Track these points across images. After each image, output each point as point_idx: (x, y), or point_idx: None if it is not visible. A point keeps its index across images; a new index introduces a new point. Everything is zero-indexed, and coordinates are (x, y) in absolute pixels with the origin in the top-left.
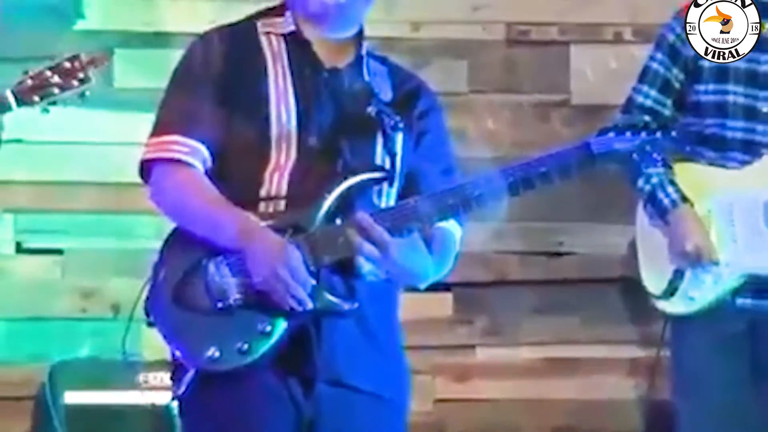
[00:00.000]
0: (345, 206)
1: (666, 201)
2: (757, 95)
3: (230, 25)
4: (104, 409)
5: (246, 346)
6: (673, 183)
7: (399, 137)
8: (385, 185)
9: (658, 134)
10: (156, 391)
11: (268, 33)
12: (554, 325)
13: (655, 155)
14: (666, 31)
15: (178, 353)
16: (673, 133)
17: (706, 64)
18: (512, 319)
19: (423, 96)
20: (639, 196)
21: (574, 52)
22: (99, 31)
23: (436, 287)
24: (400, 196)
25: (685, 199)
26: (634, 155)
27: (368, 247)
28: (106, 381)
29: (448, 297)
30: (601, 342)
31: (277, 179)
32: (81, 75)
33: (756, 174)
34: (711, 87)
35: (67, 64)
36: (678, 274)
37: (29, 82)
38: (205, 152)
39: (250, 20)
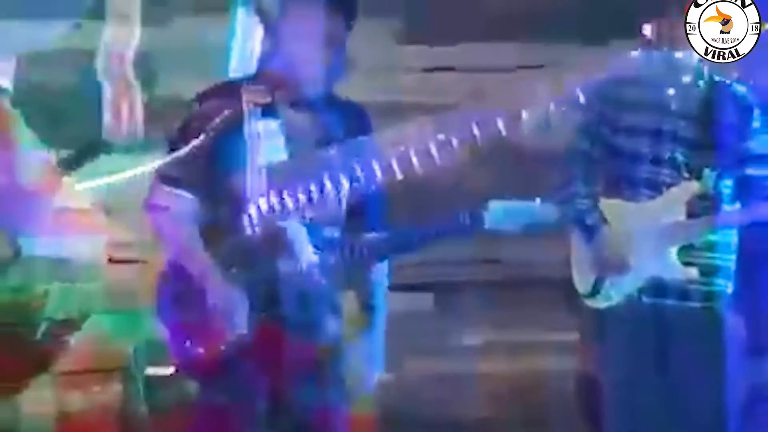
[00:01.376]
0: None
1: (591, 224)
2: (661, 147)
3: (221, 91)
4: (174, 378)
5: (223, 347)
6: (597, 210)
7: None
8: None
9: None
10: None
11: (248, 102)
12: (510, 315)
13: None
14: (596, 97)
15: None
16: None
17: (622, 123)
18: (479, 311)
19: (358, 124)
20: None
21: None
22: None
23: (422, 288)
24: None
25: (606, 222)
26: None
27: None
28: None
29: (430, 296)
30: (545, 329)
31: (257, 214)
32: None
33: (659, 205)
34: (627, 140)
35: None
36: (600, 279)
37: None
38: (195, 200)
39: (238, 83)
